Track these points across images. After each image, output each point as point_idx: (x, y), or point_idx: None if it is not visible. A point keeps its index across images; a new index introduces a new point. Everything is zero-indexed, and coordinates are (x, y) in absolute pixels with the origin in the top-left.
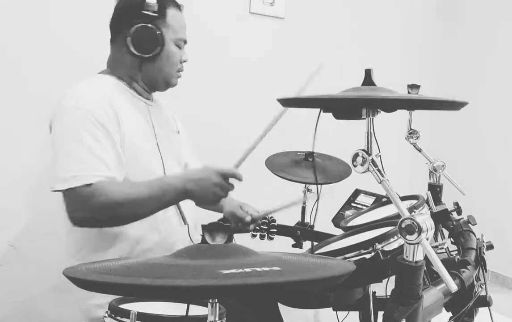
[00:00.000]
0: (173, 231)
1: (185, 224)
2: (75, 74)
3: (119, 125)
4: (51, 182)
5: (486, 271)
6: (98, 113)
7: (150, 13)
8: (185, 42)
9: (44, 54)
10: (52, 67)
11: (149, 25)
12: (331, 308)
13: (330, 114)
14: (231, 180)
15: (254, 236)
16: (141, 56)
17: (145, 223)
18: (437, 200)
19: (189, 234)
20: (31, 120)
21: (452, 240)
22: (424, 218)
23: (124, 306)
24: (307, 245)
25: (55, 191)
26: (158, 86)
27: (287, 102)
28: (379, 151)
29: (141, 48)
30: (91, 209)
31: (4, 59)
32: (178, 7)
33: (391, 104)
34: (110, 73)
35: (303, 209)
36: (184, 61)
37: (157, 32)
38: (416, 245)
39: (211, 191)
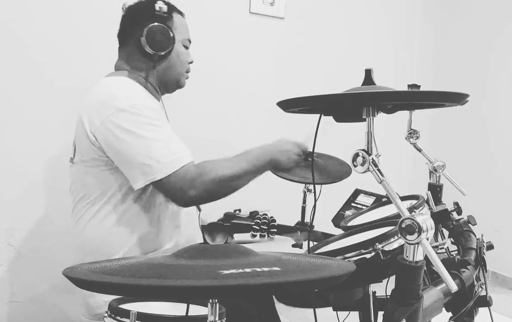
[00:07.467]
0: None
1: (199, 210)
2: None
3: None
4: (139, 177)
5: (486, 271)
6: (155, 108)
7: (161, 14)
8: (190, 42)
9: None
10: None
11: (162, 24)
12: (331, 308)
13: (331, 116)
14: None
15: (254, 236)
16: (155, 55)
17: (167, 219)
18: (437, 200)
19: (199, 222)
20: (27, 123)
21: (452, 240)
22: (424, 218)
23: (124, 306)
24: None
25: (154, 183)
26: (169, 87)
27: (286, 105)
28: (379, 152)
29: (155, 45)
30: (205, 185)
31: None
32: (181, 13)
33: (397, 99)
34: (126, 75)
35: (303, 208)
36: (191, 62)
37: (169, 31)
38: (416, 245)
39: (292, 158)
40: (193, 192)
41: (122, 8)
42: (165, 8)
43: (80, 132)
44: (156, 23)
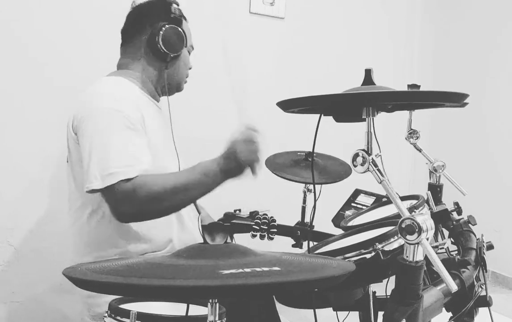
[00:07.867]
0: (190, 224)
1: (199, 213)
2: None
3: (145, 127)
4: (85, 181)
5: (486, 271)
6: (132, 115)
7: (177, 17)
8: (192, 48)
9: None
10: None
11: (178, 27)
12: (331, 308)
13: (331, 116)
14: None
15: (254, 236)
16: (168, 55)
17: (162, 219)
18: (437, 200)
19: (198, 224)
20: (27, 123)
21: (452, 240)
22: (424, 218)
23: (124, 306)
24: (307, 244)
25: (92, 190)
26: (170, 90)
27: (286, 105)
28: (379, 152)
29: (170, 46)
30: (135, 203)
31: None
32: (185, 18)
33: (397, 99)
34: (124, 75)
35: (303, 208)
36: (190, 68)
37: (183, 34)
38: (416, 245)
39: (244, 158)
40: (125, 209)
41: (132, 5)
42: (181, 12)
43: (68, 131)
44: (173, 25)
